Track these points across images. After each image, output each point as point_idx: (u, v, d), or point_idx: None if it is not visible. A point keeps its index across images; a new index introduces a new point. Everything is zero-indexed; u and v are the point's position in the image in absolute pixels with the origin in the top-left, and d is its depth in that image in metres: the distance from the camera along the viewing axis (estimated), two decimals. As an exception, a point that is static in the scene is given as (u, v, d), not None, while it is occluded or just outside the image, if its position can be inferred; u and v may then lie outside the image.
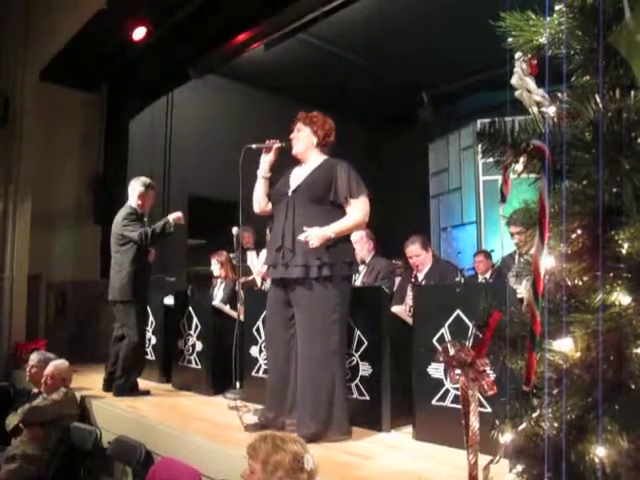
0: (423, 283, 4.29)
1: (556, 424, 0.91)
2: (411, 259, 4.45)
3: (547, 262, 0.96)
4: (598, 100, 0.88)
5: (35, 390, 4.24)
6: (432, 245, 8.65)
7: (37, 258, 6.60)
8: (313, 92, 8.89)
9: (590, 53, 0.95)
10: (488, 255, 6.35)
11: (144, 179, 4.66)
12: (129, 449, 3.42)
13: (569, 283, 0.99)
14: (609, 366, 0.90)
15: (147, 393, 4.53)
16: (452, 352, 1.09)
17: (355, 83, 8.78)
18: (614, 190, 0.91)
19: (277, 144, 3.29)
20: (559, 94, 1.00)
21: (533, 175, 1.05)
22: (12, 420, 3.81)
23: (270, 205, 3.32)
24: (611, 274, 0.93)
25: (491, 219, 8.19)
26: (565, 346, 0.95)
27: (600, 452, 0.87)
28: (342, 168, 3.10)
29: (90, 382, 4.69)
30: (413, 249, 4.41)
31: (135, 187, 4.58)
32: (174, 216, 4.51)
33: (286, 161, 3.35)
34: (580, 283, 0.98)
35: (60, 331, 6.63)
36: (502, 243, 7.73)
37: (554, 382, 0.95)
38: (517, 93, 1.12)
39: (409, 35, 7.47)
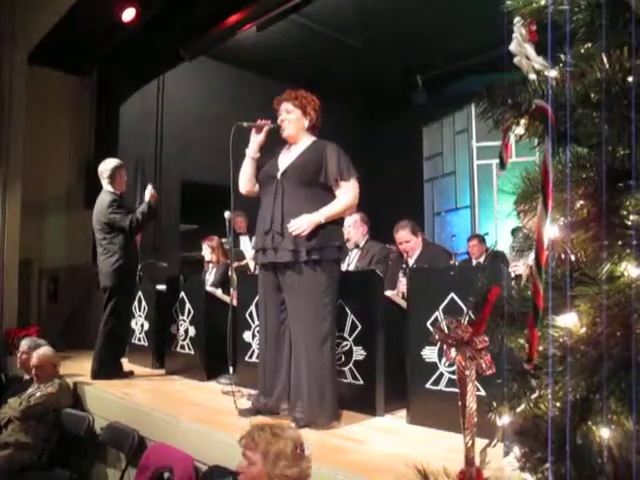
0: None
1: (558, 404, 0.88)
2: (401, 245, 4.41)
3: (551, 232, 0.92)
4: (605, 60, 0.84)
5: (27, 377, 4.21)
6: (426, 230, 8.72)
7: (28, 243, 6.54)
8: (306, 74, 8.80)
9: (596, 9, 0.90)
10: (482, 239, 6.35)
11: (111, 160, 4.65)
12: (122, 435, 3.41)
13: (573, 254, 0.95)
14: (616, 342, 0.86)
15: (131, 374, 4.58)
16: (448, 330, 1.06)
17: (348, 66, 8.70)
18: (622, 152, 0.87)
19: (268, 125, 3.22)
20: (562, 55, 0.95)
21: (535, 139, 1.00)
22: (6, 413, 3.77)
23: (257, 186, 3.27)
24: (619, 242, 0.89)
25: (485, 203, 8.18)
26: (569, 321, 0.92)
27: (605, 434, 0.85)
28: (332, 150, 3.04)
29: (82, 368, 4.66)
30: (402, 235, 4.38)
31: (105, 172, 4.57)
32: (149, 194, 4.52)
33: (274, 142, 3.29)
34: (585, 254, 0.94)
35: (52, 317, 6.59)
36: (496, 227, 7.74)
37: (557, 360, 0.92)
38: (516, 60, 1.08)
39: (403, 17, 7.39)
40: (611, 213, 0.88)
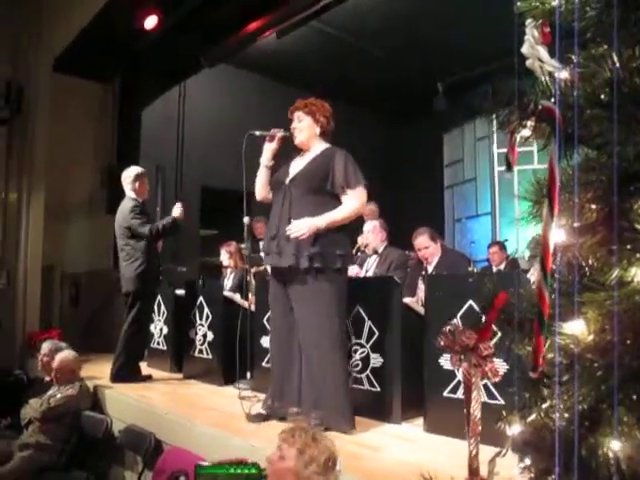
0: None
1: (567, 415, 0.85)
2: (420, 251, 4.38)
3: (557, 236, 0.90)
4: (615, 59, 0.82)
5: (47, 378, 4.26)
6: (446, 236, 8.65)
7: (51, 249, 6.64)
8: (326, 81, 8.84)
9: (606, 8, 0.88)
10: (503, 246, 6.27)
11: (134, 168, 4.72)
12: (139, 438, 3.43)
13: (581, 259, 0.92)
14: (626, 350, 0.83)
15: (149, 378, 4.62)
16: (453, 336, 1.04)
17: (369, 72, 8.70)
18: (632, 154, 0.84)
19: (280, 133, 3.25)
20: (572, 56, 0.93)
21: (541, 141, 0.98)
22: (27, 414, 3.82)
23: (271, 193, 3.29)
24: (628, 247, 0.86)
25: (506, 210, 8.10)
26: (577, 329, 0.89)
27: (615, 446, 0.82)
28: (340, 157, 3.04)
29: (102, 371, 4.70)
30: (421, 241, 4.35)
31: (128, 178, 4.62)
32: (178, 212, 4.57)
33: (291, 149, 3.31)
34: (593, 259, 0.91)
35: (74, 320, 6.67)
36: (517, 235, 7.65)
37: (565, 369, 0.89)
38: (528, 62, 1.06)
39: (423, 23, 7.37)
40: (620, 217, 0.86)
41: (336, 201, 3.04)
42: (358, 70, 8.64)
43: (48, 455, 3.65)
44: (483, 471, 1.05)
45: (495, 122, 1.00)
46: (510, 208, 8.05)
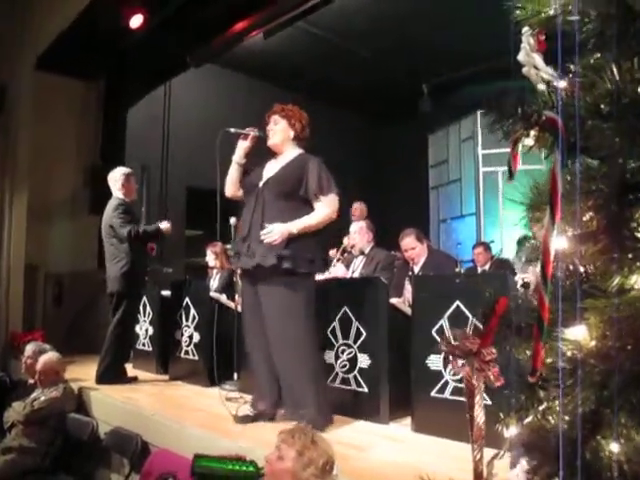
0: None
1: (567, 417, 0.86)
2: (406, 252, 4.40)
3: (558, 244, 0.91)
4: (615, 70, 0.83)
5: (31, 381, 4.21)
6: (431, 237, 8.70)
7: (34, 248, 6.56)
8: (312, 81, 8.84)
9: (607, 19, 0.89)
10: (487, 247, 6.32)
11: (121, 169, 4.71)
12: (125, 440, 3.40)
13: (582, 267, 0.93)
14: (627, 356, 0.85)
15: (134, 379, 4.58)
16: (455, 341, 1.04)
17: (355, 73, 8.72)
18: (633, 165, 0.86)
19: (255, 132, 3.30)
20: (571, 66, 0.94)
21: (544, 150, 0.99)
22: (10, 417, 3.78)
23: (241, 191, 3.34)
24: (629, 255, 0.87)
25: (491, 211, 8.16)
26: (578, 334, 0.91)
27: (615, 449, 0.83)
28: (314, 164, 3.09)
29: (87, 373, 4.66)
30: (408, 242, 4.37)
31: (115, 179, 4.61)
32: (165, 226, 4.55)
33: (265, 152, 3.35)
34: (595, 266, 0.93)
35: (57, 321, 6.60)
36: (501, 235, 7.72)
37: (565, 373, 0.90)
38: (524, 70, 1.07)
39: (409, 25, 7.40)
40: (621, 225, 0.87)
41: (308, 207, 3.09)
42: (344, 71, 8.65)
43: (32, 458, 3.61)
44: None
45: (500, 132, 1.01)
46: (495, 209, 8.11)
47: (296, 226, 2.99)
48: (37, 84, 6.62)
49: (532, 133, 0.98)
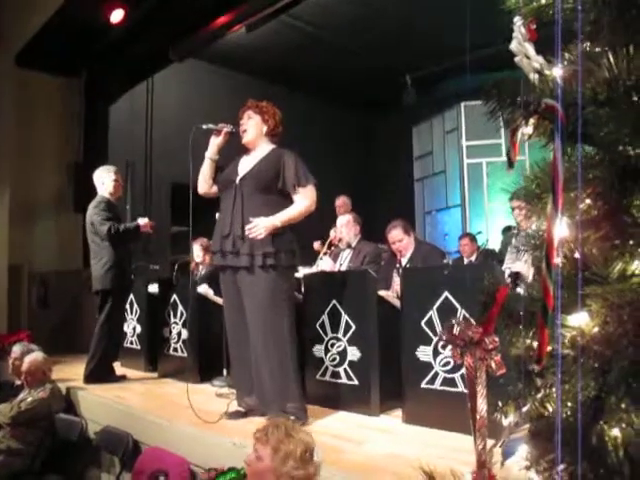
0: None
1: (570, 404, 0.87)
2: (394, 244, 4.40)
3: (561, 231, 0.91)
4: (611, 59, 0.84)
5: (18, 382, 4.17)
6: (417, 229, 8.73)
7: (17, 248, 6.49)
8: (296, 75, 8.80)
9: (602, 6, 0.90)
10: (473, 238, 6.35)
11: (108, 167, 4.68)
12: (116, 439, 3.38)
13: (584, 253, 0.94)
14: (629, 342, 0.86)
15: (123, 378, 4.56)
16: (457, 331, 1.05)
17: (338, 65, 8.70)
18: (633, 151, 0.86)
19: (227, 128, 3.29)
20: (566, 54, 0.95)
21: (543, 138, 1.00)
22: None
23: (215, 188, 3.35)
24: (630, 241, 0.88)
25: (475, 202, 8.21)
26: (581, 321, 0.92)
27: (617, 433, 0.84)
28: (289, 157, 3.11)
29: (75, 373, 4.62)
30: (395, 234, 4.36)
31: (102, 177, 4.57)
32: (144, 223, 4.51)
33: (239, 146, 3.34)
34: (596, 253, 0.94)
35: (43, 321, 6.52)
36: (487, 226, 7.77)
37: (566, 360, 0.91)
38: (516, 59, 1.07)
39: (392, 16, 7.40)
40: (622, 212, 0.88)
41: (286, 199, 3.10)
42: (328, 64, 8.63)
43: (21, 460, 3.57)
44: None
45: (501, 120, 1.01)
46: (480, 200, 8.16)
47: (280, 219, 3.00)
48: (17, 81, 6.52)
49: (531, 121, 0.99)
